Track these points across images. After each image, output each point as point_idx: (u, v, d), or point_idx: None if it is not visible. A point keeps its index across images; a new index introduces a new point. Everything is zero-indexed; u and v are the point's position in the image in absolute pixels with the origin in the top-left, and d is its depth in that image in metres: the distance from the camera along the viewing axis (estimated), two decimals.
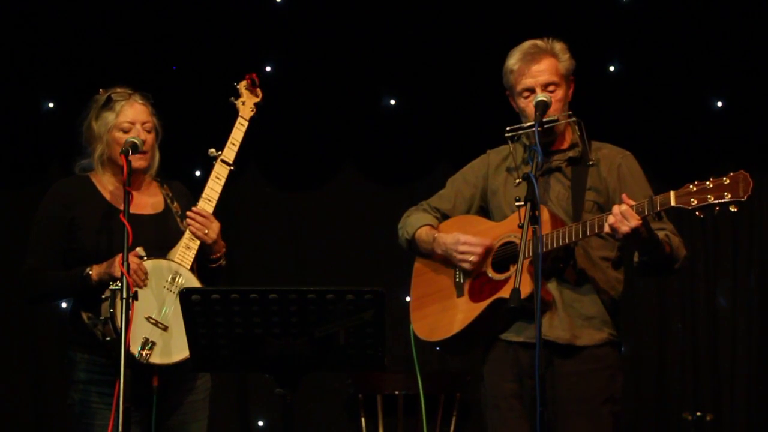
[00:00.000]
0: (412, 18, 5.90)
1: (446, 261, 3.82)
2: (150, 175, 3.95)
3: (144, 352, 3.65)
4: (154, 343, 3.67)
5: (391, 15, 5.90)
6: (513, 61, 3.70)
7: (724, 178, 3.22)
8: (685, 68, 5.84)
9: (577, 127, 3.72)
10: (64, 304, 5.58)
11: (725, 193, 3.20)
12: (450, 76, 5.94)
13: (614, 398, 3.65)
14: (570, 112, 3.69)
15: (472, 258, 3.70)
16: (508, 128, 3.57)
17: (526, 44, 3.71)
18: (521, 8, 5.80)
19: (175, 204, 3.94)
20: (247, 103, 4.07)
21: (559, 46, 3.71)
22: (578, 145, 3.71)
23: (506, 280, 3.54)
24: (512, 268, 3.53)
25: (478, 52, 5.86)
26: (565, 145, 3.74)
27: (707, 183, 3.24)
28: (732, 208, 3.22)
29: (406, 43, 5.92)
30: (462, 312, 3.70)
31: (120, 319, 3.43)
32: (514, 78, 3.69)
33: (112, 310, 3.61)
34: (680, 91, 5.85)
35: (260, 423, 5.97)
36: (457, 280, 3.77)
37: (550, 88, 3.65)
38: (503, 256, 3.62)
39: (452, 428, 5.69)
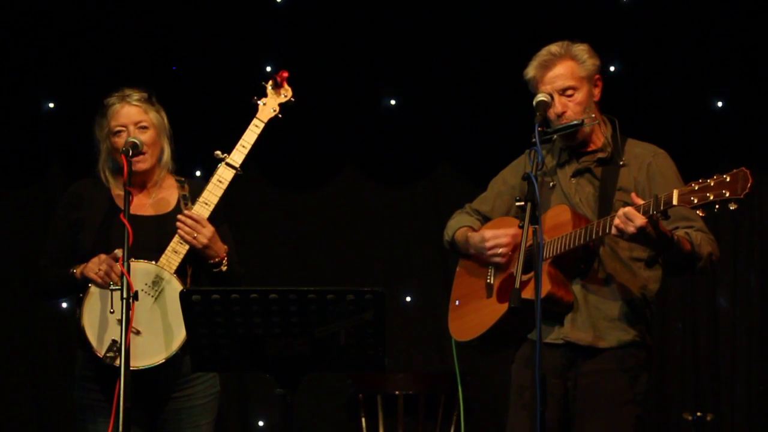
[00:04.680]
0: (412, 18, 5.90)
1: (481, 262, 3.84)
2: (162, 170, 3.90)
3: (109, 355, 3.60)
4: None
5: (392, 15, 5.90)
6: (530, 70, 3.74)
7: (726, 176, 3.19)
8: (685, 68, 5.84)
9: (608, 127, 3.74)
10: (64, 304, 5.59)
11: (724, 191, 3.17)
12: (450, 77, 5.93)
13: (636, 400, 3.64)
14: (593, 115, 3.69)
15: (501, 250, 3.73)
16: (533, 134, 3.53)
17: (542, 51, 3.73)
18: (522, 9, 5.79)
19: (190, 205, 3.86)
20: (268, 104, 3.94)
21: (579, 48, 3.72)
22: (610, 145, 3.71)
23: (529, 281, 3.51)
24: None
25: (478, 53, 5.86)
26: (597, 146, 3.75)
27: (709, 181, 3.22)
28: (731, 206, 3.18)
29: (406, 44, 5.91)
30: (489, 313, 3.71)
31: (121, 320, 3.40)
32: (534, 87, 3.72)
33: (79, 310, 3.64)
34: (680, 91, 5.84)
35: (260, 423, 5.97)
36: (488, 281, 3.79)
37: (568, 92, 3.67)
38: (531, 257, 3.60)
39: (452, 428, 5.69)
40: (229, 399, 5.86)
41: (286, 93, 3.99)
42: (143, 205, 3.87)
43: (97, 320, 3.65)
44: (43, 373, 5.81)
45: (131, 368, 3.52)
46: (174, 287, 3.68)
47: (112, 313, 3.63)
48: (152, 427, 3.79)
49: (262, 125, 3.91)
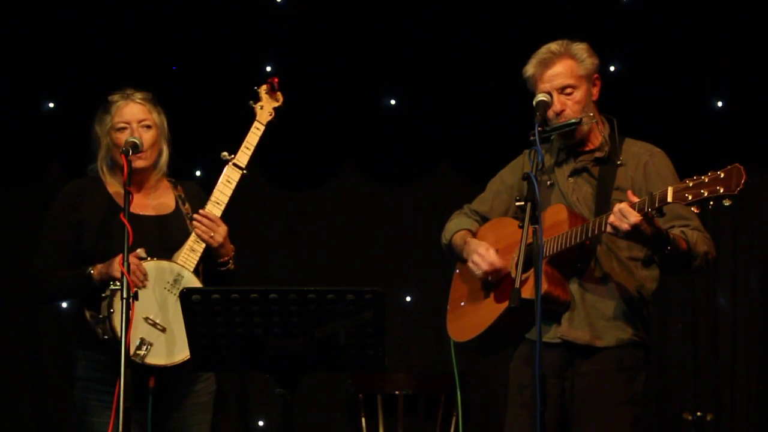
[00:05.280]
0: (412, 18, 5.90)
1: None
2: (158, 173, 3.94)
3: (140, 353, 3.64)
4: (151, 344, 3.66)
5: (392, 15, 5.90)
6: (529, 67, 3.74)
7: (720, 172, 3.20)
8: (685, 68, 5.84)
9: (606, 127, 3.74)
10: (64, 304, 5.59)
11: (718, 187, 3.18)
12: (450, 77, 5.93)
13: (634, 400, 3.64)
14: (591, 114, 3.69)
15: (477, 272, 3.74)
16: (531, 133, 3.54)
17: (542, 49, 3.73)
18: (522, 9, 5.79)
19: (186, 205, 3.94)
20: (265, 108, 4.06)
21: (578, 47, 3.72)
22: (607, 144, 3.72)
23: (527, 280, 3.51)
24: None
25: (478, 53, 5.86)
26: (595, 145, 3.75)
27: (703, 177, 3.23)
28: (726, 202, 3.19)
29: (406, 43, 5.91)
30: (487, 313, 3.72)
31: (120, 319, 3.42)
32: (533, 85, 3.73)
33: (112, 310, 3.61)
34: (680, 91, 5.84)
35: (260, 423, 5.97)
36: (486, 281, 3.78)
37: (567, 90, 3.67)
38: (529, 256, 3.60)
39: (452, 428, 5.69)
40: (229, 399, 5.87)
41: (278, 98, 4.11)
42: (144, 205, 3.89)
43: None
44: (43, 374, 5.80)
45: (160, 365, 3.65)
46: (193, 285, 3.75)
47: (112, 312, 3.64)
48: (154, 427, 3.79)
49: (262, 128, 4.03)
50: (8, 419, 5.81)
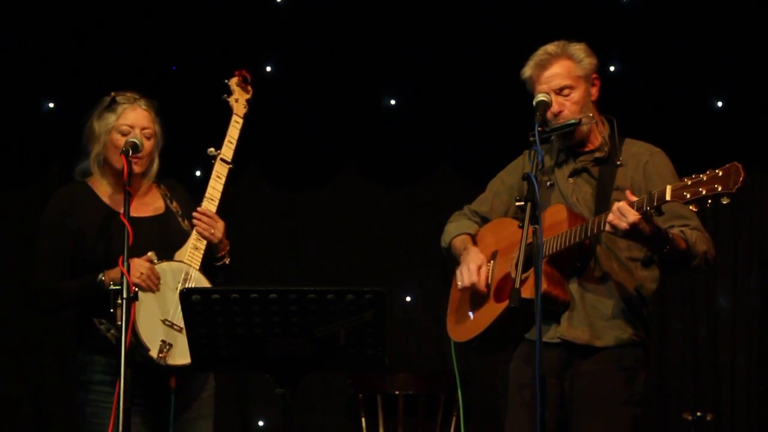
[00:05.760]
0: (412, 18, 5.90)
1: None
2: (148, 180, 3.95)
3: (162, 355, 3.66)
4: (171, 345, 3.68)
5: (391, 15, 5.90)
6: (527, 69, 3.73)
7: (718, 171, 3.20)
8: (685, 68, 5.84)
9: (606, 127, 3.74)
10: None
11: (716, 186, 3.17)
12: (450, 77, 5.93)
13: (633, 400, 3.63)
14: (590, 114, 3.69)
15: (459, 284, 3.77)
16: (530, 134, 3.53)
17: (539, 51, 3.72)
18: (522, 9, 5.80)
19: (174, 203, 3.97)
20: (240, 100, 4.08)
21: (575, 48, 3.71)
22: (607, 144, 3.72)
23: (526, 280, 3.50)
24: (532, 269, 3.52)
25: (478, 53, 5.86)
26: (594, 146, 3.75)
27: (702, 176, 3.23)
28: (724, 201, 3.19)
29: (406, 43, 5.91)
30: (486, 313, 3.72)
31: (123, 320, 3.41)
32: (531, 86, 3.72)
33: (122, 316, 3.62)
34: (680, 91, 5.85)
35: (260, 423, 5.97)
36: (487, 282, 3.78)
37: (565, 91, 3.66)
38: (529, 256, 3.59)
39: (452, 428, 5.69)
40: (229, 399, 5.87)
41: (249, 90, 4.12)
42: (139, 206, 3.88)
43: (146, 323, 3.68)
44: (43, 374, 5.80)
45: (181, 365, 3.66)
46: (202, 284, 3.78)
47: (102, 325, 3.69)
48: (163, 425, 3.79)
49: (241, 121, 4.05)
50: (8, 419, 5.81)
